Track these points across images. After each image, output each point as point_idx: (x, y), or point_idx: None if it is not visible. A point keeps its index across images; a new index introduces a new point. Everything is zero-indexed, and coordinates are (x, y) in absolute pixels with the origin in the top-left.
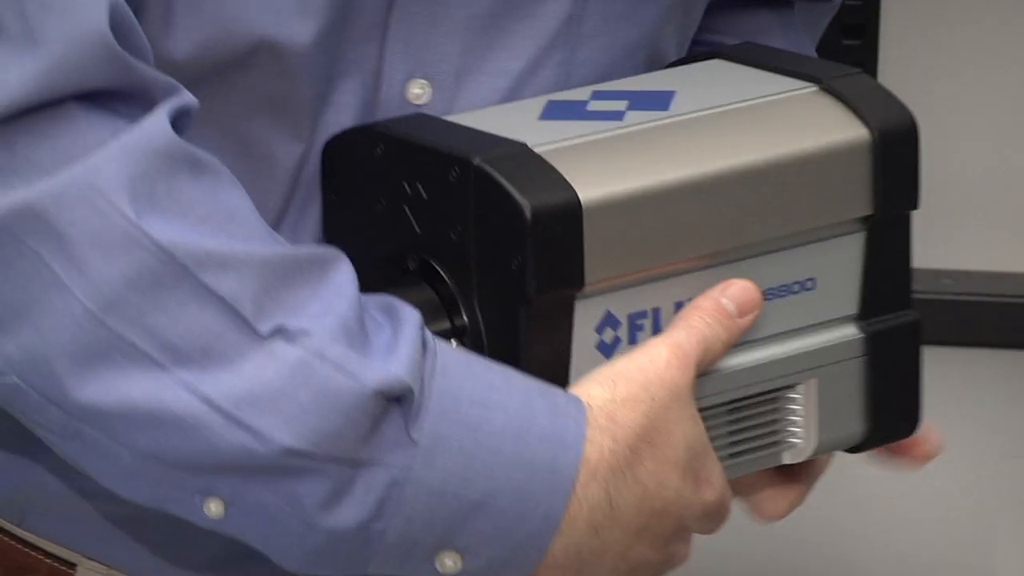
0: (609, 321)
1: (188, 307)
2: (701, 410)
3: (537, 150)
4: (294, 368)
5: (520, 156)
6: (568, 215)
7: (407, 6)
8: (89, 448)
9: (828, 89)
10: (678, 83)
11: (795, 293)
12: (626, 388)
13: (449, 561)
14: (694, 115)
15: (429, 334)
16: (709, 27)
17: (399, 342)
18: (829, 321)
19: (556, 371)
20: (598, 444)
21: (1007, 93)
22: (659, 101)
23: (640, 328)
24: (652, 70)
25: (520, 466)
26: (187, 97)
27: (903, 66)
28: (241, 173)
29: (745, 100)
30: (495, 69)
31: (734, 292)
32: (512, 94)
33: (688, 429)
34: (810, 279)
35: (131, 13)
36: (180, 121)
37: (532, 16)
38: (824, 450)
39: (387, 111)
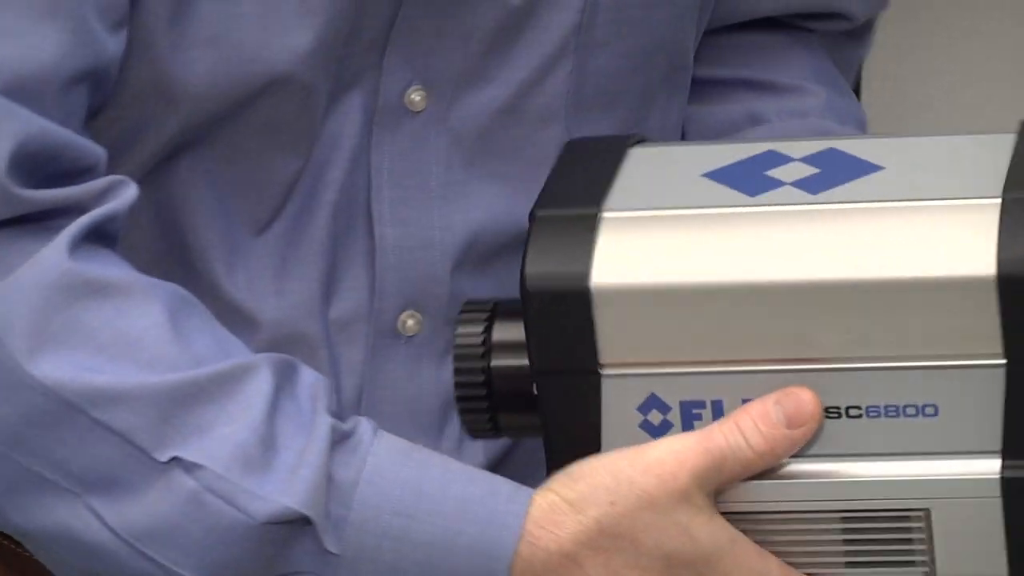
0: (655, 403)
1: (87, 440)
2: (795, 512)
3: (606, 215)
4: (187, 501)
5: (577, 221)
6: (574, 294)
7: (412, 20)
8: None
9: (1005, 207)
10: (902, 156)
11: (911, 416)
12: (585, 487)
13: None
14: (843, 206)
15: (364, 430)
16: (722, 59)
17: (302, 466)
18: (958, 452)
19: (585, 445)
20: (534, 549)
21: (991, 117)
22: (846, 174)
23: (698, 418)
24: (674, 73)
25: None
26: (119, 199)
27: (887, 97)
28: (231, 184)
29: (917, 200)
30: (496, 77)
31: (788, 401)
32: (516, 102)
33: (667, 538)
34: (929, 405)
35: (64, 133)
36: (108, 226)
37: (537, 27)
38: None
39: (385, 118)
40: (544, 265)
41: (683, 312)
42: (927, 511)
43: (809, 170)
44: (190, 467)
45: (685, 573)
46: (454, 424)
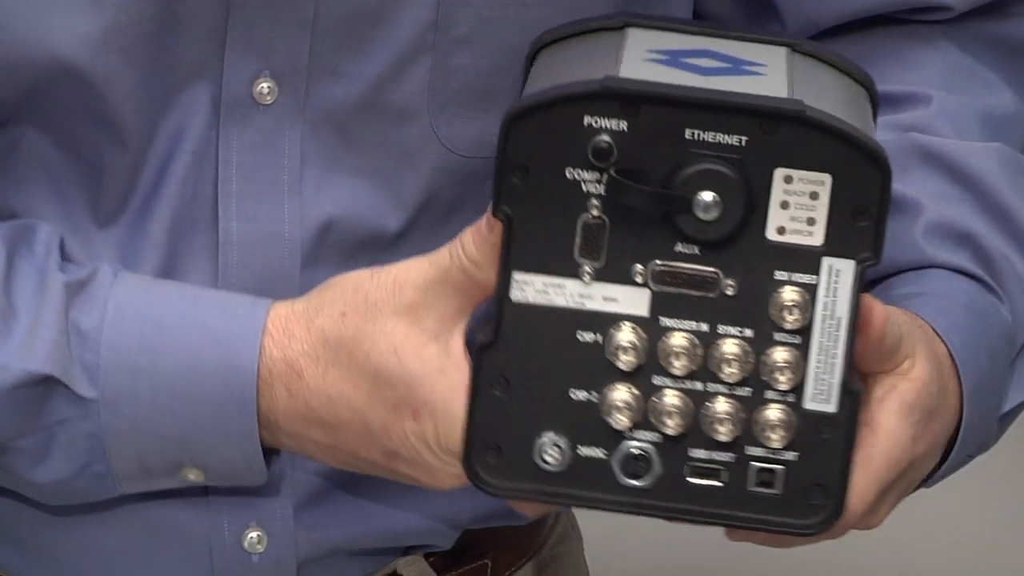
0: None
1: None
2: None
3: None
4: None
5: None
6: None
7: (244, 7)
8: None
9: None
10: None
11: None
12: (324, 298)
13: (192, 475)
14: None
15: (104, 273)
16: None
17: (40, 326)
18: None
19: None
20: (271, 360)
21: None
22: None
23: None
24: None
25: (201, 401)
26: None
27: None
28: (69, 175)
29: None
30: (350, 72)
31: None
32: (373, 97)
33: (376, 352)
34: None
35: None
36: None
37: (391, 22)
38: None
39: (233, 111)
40: None
41: None
42: None
43: (719, 64)
44: None
45: (390, 394)
46: None
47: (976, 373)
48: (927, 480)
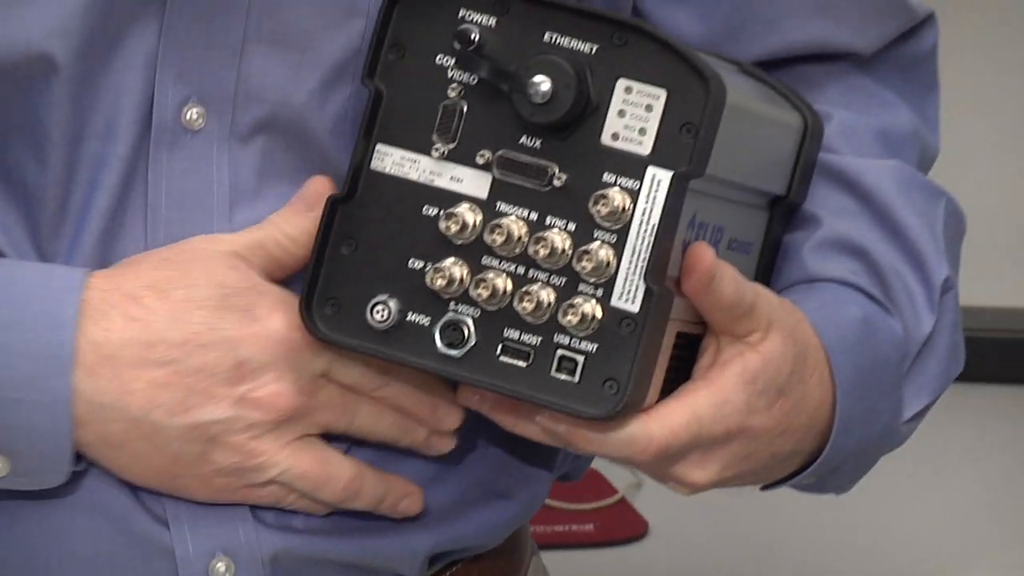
0: None
1: None
2: None
3: None
4: None
5: None
6: None
7: (178, 31)
8: None
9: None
10: None
11: None
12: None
13: None
14: None
15: None
16: None
17: None
18: None
19: None
20: (102, 292)
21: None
22: None
23: None
24: None
25: (17, 356)
26: None
27: None
28: (6, 199)
29: None
30: (274, 98)
31: (306, 188)
32: (296, 124)
33: (212, 273)
34: None
35: None
36: None
37: (315, 48)
38: None
39: (162, 136)
40: None
41: None
42: None
43: None
44: None
45: (239, 301)
46: None
47: (855, 372)
48: (811, 472)
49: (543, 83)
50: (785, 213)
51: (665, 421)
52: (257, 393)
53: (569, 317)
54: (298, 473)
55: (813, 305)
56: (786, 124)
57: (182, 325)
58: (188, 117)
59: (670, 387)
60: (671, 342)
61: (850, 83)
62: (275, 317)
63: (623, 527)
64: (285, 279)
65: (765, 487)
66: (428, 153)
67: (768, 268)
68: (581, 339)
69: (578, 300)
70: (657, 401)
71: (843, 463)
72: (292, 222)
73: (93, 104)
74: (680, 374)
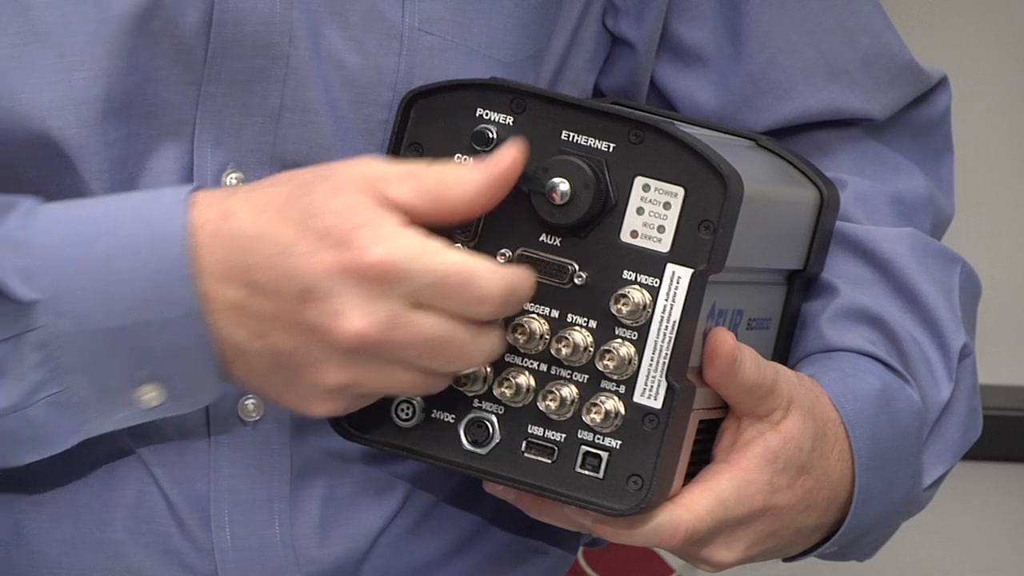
0: None
1: None
2: None
3: None
4: None
5: None
6: None
7: (215, 98)
8: None
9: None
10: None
11: None
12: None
13: (150, 394)
14: None
15: (26, 200)
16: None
17: None
18: None
19: None
20: (203, 213)
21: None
22: None
23: None
24: None
25: (136, 280)
26: None
27: None
28: None
29: None
30: (309, 162)
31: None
32: None
33: (323, 191)
34: None
35: None
36: None
37: (345, 116)
38: None
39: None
40: None
41: None
42: None
43: None
44: None
45: (317, 224)
46: None
47: (873, 443)
48: (833, 543)
49: (561, 184)
50: (803, 285)
51: (690, 508)
52: (322, 321)
53: (593, 415)
54: (396, 390)
55: (832, 378)
56: (802, 202)
57: (261, 245)
58: (228, 182)
59: (692, 470)
60: (693, 431)
61: (863, 149)
62: (366, 246)
63: None
64: (435, 221)
65: (788, 559)
66: None
67: (787, 340)
68: (605, 435)
69: (601, 397)
70: (680, 486)
71: (865, 533)
72: (462, 168)
73: (135, 173)
74: (701, 456)
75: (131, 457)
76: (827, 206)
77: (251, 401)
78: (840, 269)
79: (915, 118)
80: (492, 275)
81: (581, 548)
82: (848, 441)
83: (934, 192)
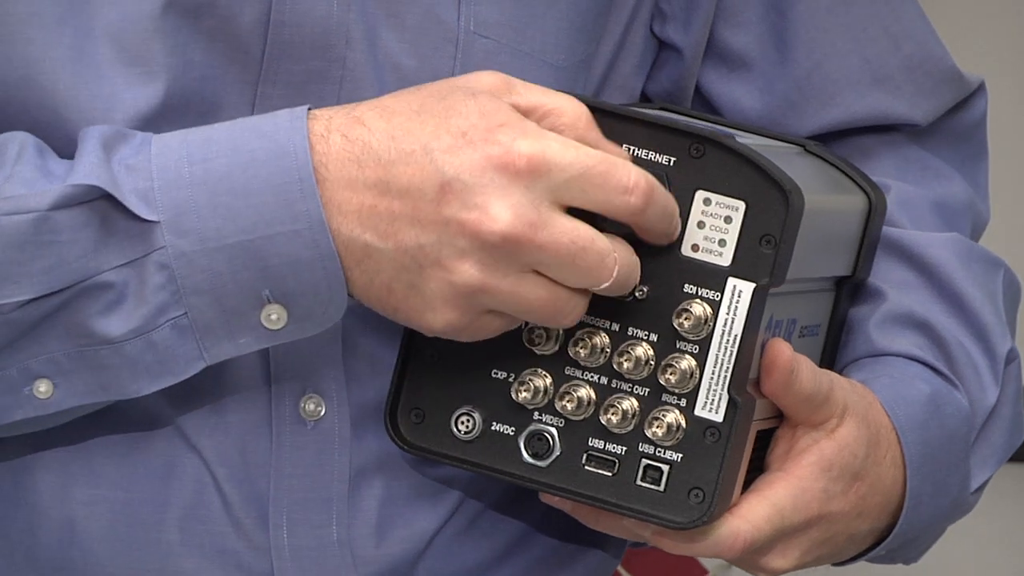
0: None
1: None
2: None
3: None
4: None
5: None
6: None
7: (272, 99)
8: None
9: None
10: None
11: None
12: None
13: (273, 315)
14: None
15: (144, 136)
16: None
17: (80, 157)
18: None
19: None
20: (326, 122)
21: None
22: None
23: None
24: None
25: (260, 192)
26: None
27: None
28: None
29: None
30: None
31: None
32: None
33: (460, 94)
34: None
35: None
36: None
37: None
38: None
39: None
40: None
41: None
42: None
43: None
44: None
45: (460, 122)
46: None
47: (924, 448)
48: (884, 547)
49: None
50: (851, 291)
51: (748, 518)
52: (464, 215)
53: (654, 428)
54: (523, 307)
55: (882, 383)
56: (852, 209)
57: (396, 143)
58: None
59: (748, 479)
60: (752, 443)
61: (906, 154)
62: (512, 140)
63: None
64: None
65: (838, 563)
66: None
67: (835, 345)
68: (666, 449)
69: (662, 411)
70: (738, 496)
71: (915, 537)
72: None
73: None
74: (755, 464)
75: (192, 458)
76: (875, 212)
77: (312, 401)
78: (887, 274)
79: (955, 124)
80: (635, 168)
81: None
82: (900, 447)
83: (973, 197)
